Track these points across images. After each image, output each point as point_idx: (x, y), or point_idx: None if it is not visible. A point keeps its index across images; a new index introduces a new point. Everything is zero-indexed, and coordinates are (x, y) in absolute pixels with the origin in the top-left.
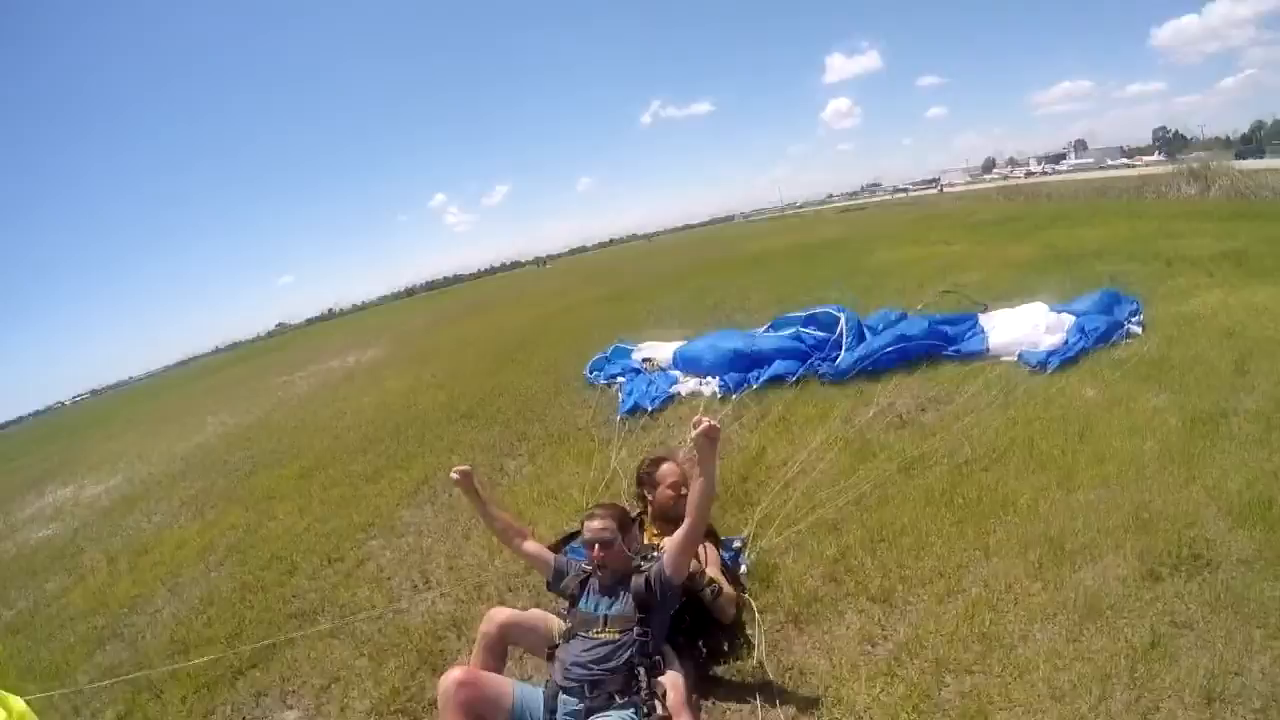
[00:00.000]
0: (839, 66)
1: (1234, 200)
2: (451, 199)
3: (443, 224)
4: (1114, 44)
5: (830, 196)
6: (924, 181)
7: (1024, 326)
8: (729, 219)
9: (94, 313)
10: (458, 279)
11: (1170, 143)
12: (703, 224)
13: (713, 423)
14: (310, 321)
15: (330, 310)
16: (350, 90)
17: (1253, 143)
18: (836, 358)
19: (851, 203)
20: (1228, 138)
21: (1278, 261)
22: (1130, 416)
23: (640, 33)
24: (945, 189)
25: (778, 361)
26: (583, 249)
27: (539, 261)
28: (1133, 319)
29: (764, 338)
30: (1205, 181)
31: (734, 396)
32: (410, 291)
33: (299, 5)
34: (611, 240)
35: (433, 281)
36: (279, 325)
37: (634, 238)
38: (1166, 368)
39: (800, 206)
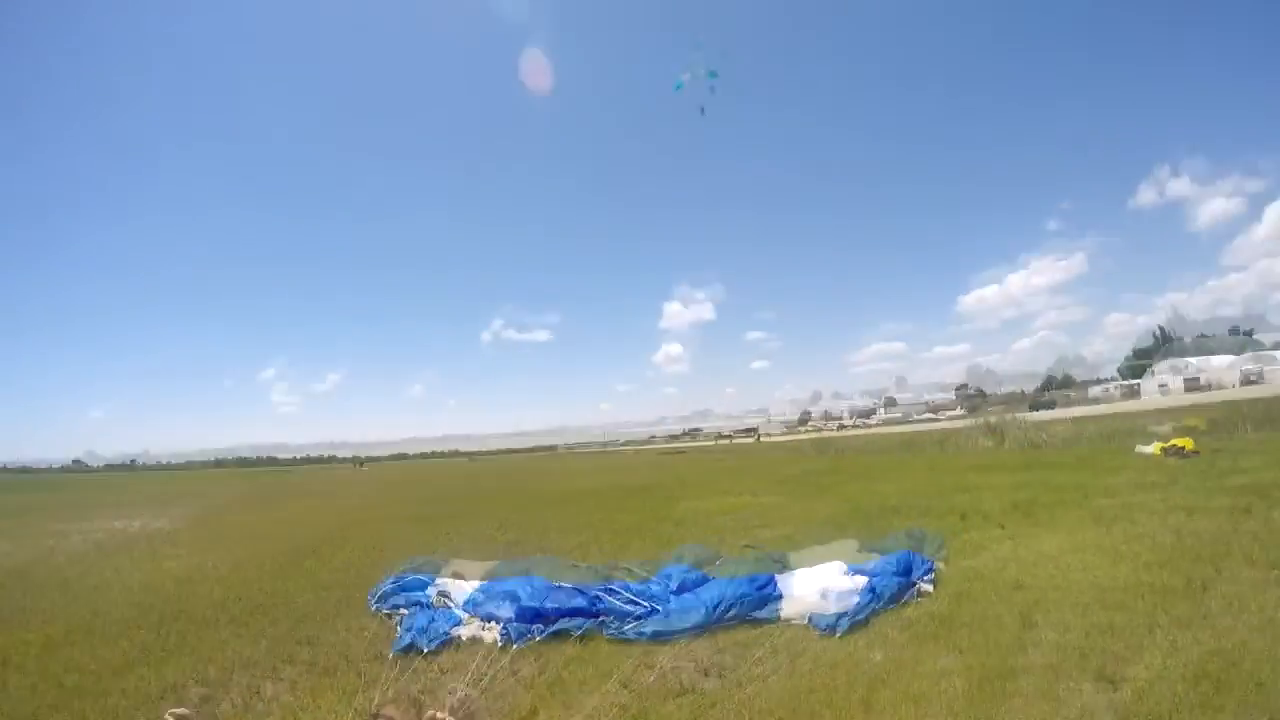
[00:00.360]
0: (675, 313)
1: (1026, 451)
2: (282, 376)
3: (269, 399)
4: (925, 311)
5: (653, 437)
6: (744, 430)
7: (819, 587)
8: (553, 448)
9: None
10: (273, 460)
11: (971, 398)
12: (529, 448)
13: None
14: (111, 466)
15: (134, 460)
16: (202, 241)
17: (1044, 395)
18: (629, 624)
19: (672, 445)
20: (1022, 391)
21: (1063, 509)
22: (917, 681)
23: (491, 254)
24: (763, 438)
25: (565, 619)
26: (404, 455)
27: (357, 461)
28: (925, 577)
29: (558, 591)
30: (1000, 435)
31: (515, 646)
32: (220, 462)
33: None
34: (435, 452)
35: (246, 457)
36: (76, 461)
37: (458, 453)
38: (955, 626)
39: (624, 443)
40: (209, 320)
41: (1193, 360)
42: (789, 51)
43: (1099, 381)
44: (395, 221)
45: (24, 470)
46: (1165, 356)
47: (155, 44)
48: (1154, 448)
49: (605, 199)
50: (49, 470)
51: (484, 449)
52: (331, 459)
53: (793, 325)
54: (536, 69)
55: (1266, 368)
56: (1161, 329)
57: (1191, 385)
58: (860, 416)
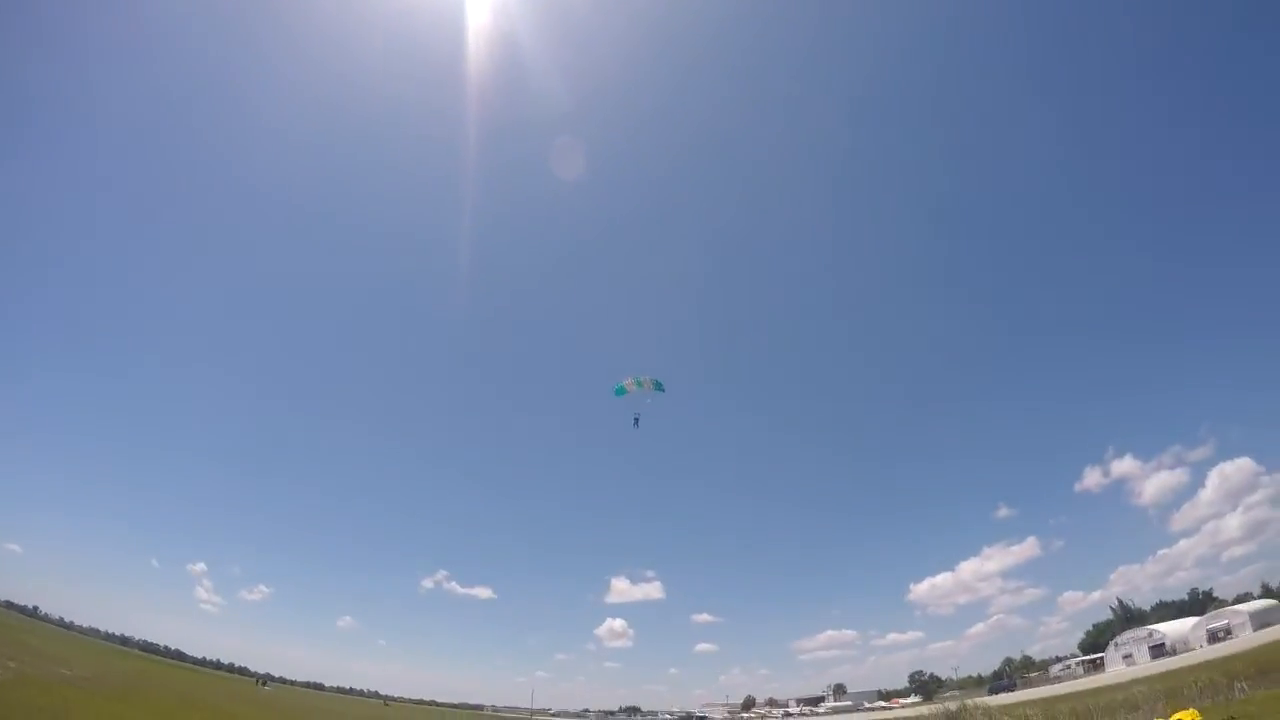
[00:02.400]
0: (623, 589)
1: None
2: (211, 573)
3: (193, 594)
4: (877, 600)
5: (586, 711)
6: (683, 714)
7: None
8: (480, 707)
9: None
10: (180, 654)
11: (926, 684)
12: (454, 704)
13: None
14: (9, 605)
15: (35, 608)
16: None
17: (1003, 677)
18: None
19: None
20: (979, 676)
21: None
22: None
23: (438, 515)
24: None
25: None
26: (320, 685)
27: (260, 680)
28: None
29: None
30: None
31: None
32: (125, 640)
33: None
34: (351, 689)
35: (152, 644)
36: None
37: (378, 694)
38: None
39: (555, 714)
40: (152, 495)
41: (1156, 627)
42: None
43: (1058, 659)
44: (351, 465)
45: None
46: (1126, 627)
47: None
48: None
49: (558, 486)
50: None
51: (407, 695)
52: (243, 670)
53: (741, 611)
54: None
55: (1233, 622)
56: (1120, 600)
57: (1157, 652)
58: (808, 704)
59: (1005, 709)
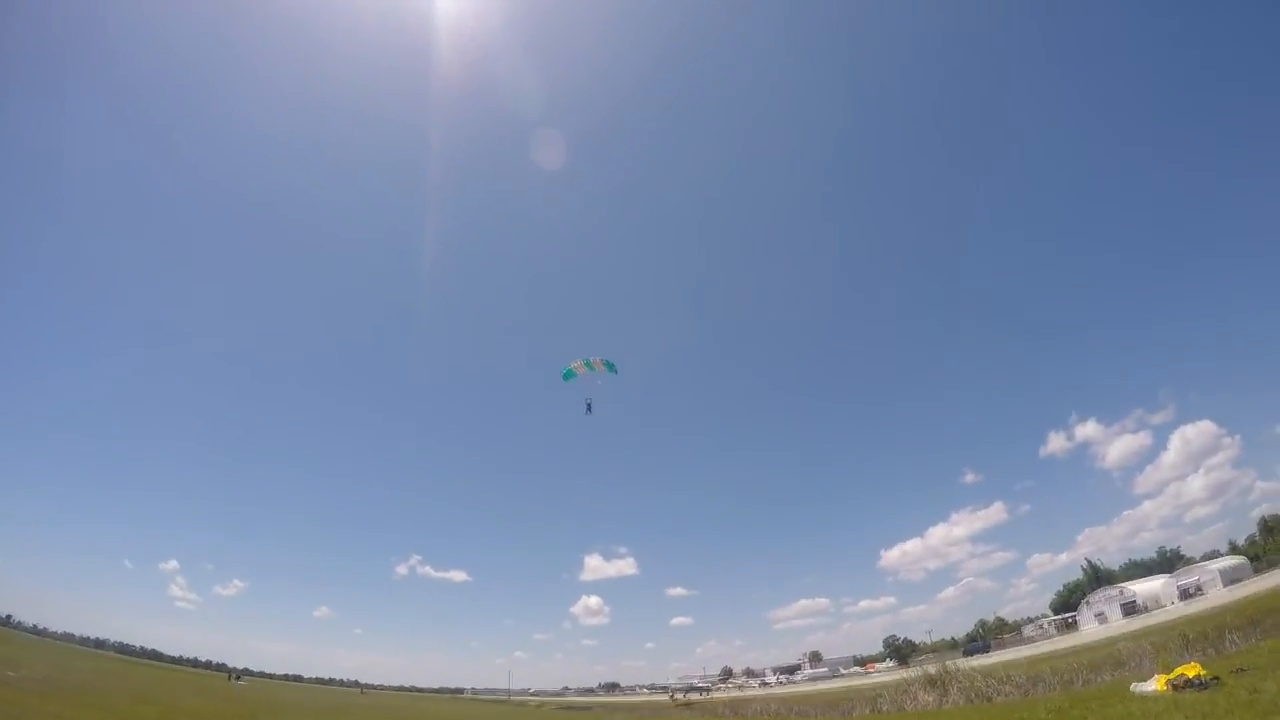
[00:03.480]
0: (596, 566)
1: (976, 705)
2: (185, 571)
3: (166, 592)
4: (849, 568)
5: (566, 689)
6: (660, 686)
7: None
8: (460, 690)
9: None
10: (156, 654)
11: (901, 648)
12: (435, 689)
13: None
14: None
15: (9, 616)
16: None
17: (977, 640)
18: None
19: (579, 699)
20: (953, 639)
21: None
22: None
23: (408, 500)
24: (676, 697)
25: None
26: (299, 677)
27: (233, 674)
28: None
29: None
30: (942, 687)
31: None
32: (101, 644)
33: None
34: (331, 679)
35: (128, 645)
36: None
37: (357, 683)
38: None
39: (534, 694)
40: (122, 497)
41: (1127, 585)
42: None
43: (1031, 620)
44: (320, 454)
45: None
46: (1096, 587)
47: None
48: (1156, 683)
49: (528, 465)
50: None
51: (386, 682)
52: (221, 666)
53: (714, 583)
54: None
55: (1203, 579)
56: (1089, 560)
57: (1129, 610)
58: (784, 673)
59: (986, 670)
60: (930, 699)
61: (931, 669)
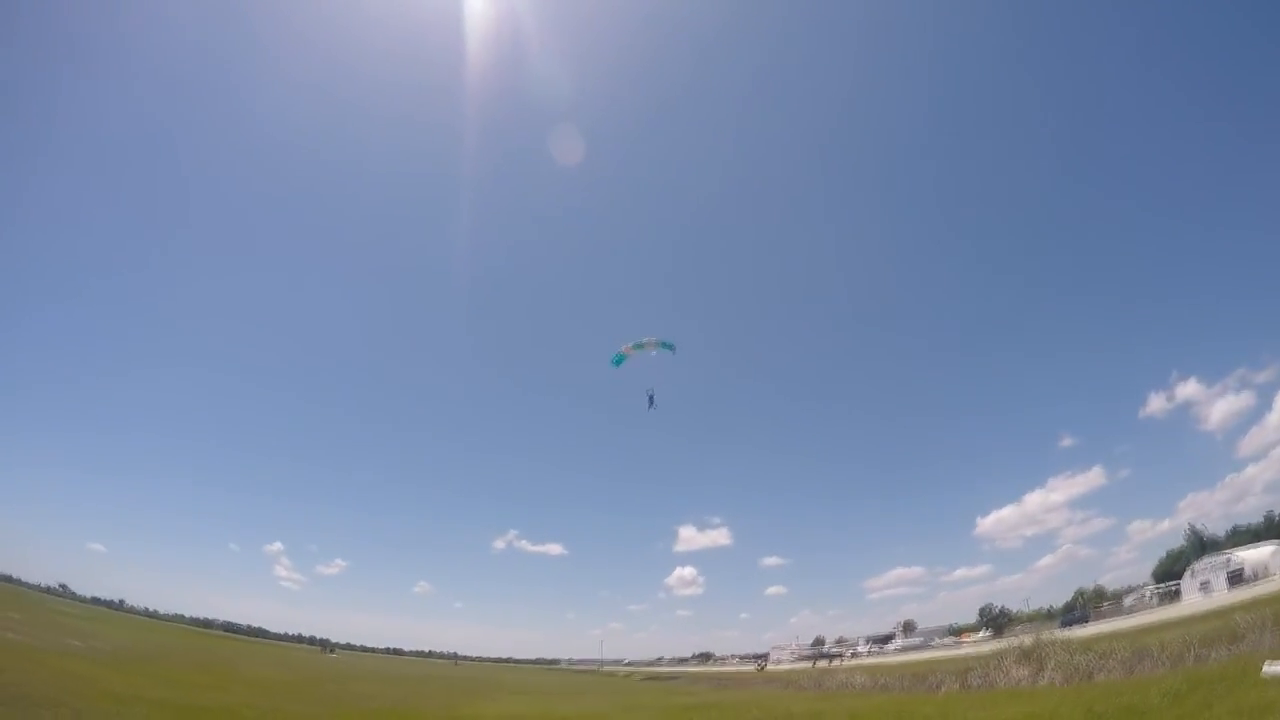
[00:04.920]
0: (690, 537)
1: (1074, 684)
2: (289, 551)
3: (272, 573)
4: (944, 535)
5: (660, 659)
6: (752, 656)
7: None
8: (555, 662)
9: None
10: (262, 632)
11: (996, 618)
12: (532, 660)
13: None
14: (95, 601)
15: (121, 600)
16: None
17: (1075, 610)
18: None
19: (660, 670)
20: (1050, 609)
21: None
22: None
23: (506, 475)
24: (766, 667)
25: None
26: (399, 651)
27: (327, 647)
28: None
29: None
30: (1038, 661)
31: None
32: (208, 623)
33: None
34: (430, 652)
35: (234, 624)
36: (62, 585)
37: (456, 655)
38: None
39: (627, 664)
40: (227, 484)
41: (1233, 553)
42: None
43: (1131, 590)
44: (417, 434)
45: (9, 579)
46: (1200, 555)
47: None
48: None
49: (621, 438)
50: (34, 586)
51: (485, 655)
52: (324, 641)
53: (809, 552)
54: None
55: None
56: (1192, 527)
57: (1235, 579)
58: (877, 643)
59: (1085, 643)
60: (1024, 674)
61: (1026, 641)
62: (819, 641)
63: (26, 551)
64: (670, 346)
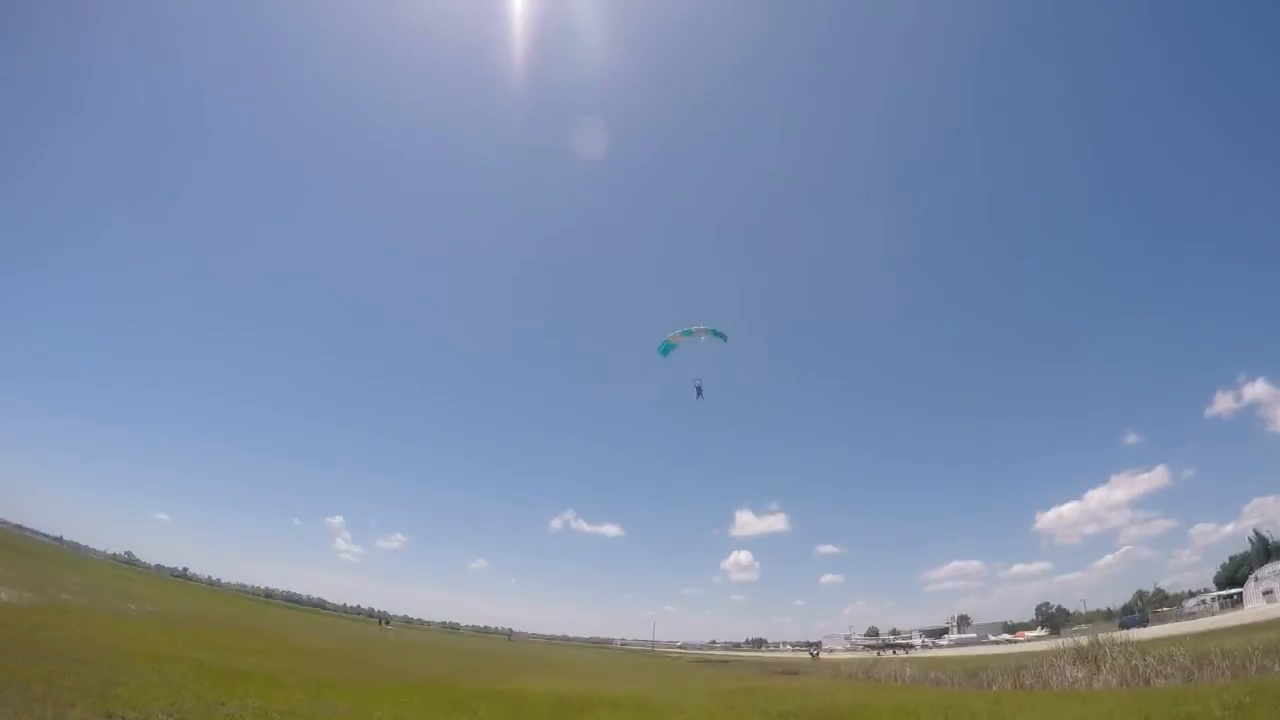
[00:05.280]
0: (747, 522)
1: (1131, 688)
2: (350, 525)
3: (333, 545)
4: (1004, 530)
5: (713, 643)
6: (804, 644)
7: None
8: (609, 641)
9: None
10: (321, 604)
11: (1053, 617)
12: (584, 639)
13: None
14: (160, 569)
15: (185, 569)
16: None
17: (1134, 612)
18: None
19: (721, 654)
20: (1109, 609)
21: None
22: None
23: (566, 457)
24: (819, 655)
25: None
26: (456, 626)
27: (382, 619)
28: None
29: None
30: (1094, 662)
31: None
32: (270, 594)
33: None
34: (485, 628)
35: (295, 595)
36: (128, 553)
37: (509, 632)
38: None
39: (680, 646)
40: (290, 459)
41: None
42: (850, 289)
43: (1192, 594)
44: (478, 412)
45: (78, 547)
46: (1265, 561)
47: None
48: None
49: (681, 421)
50: (101, 554)
51: (539, 632)
52: (382, 614)
53: (866, 541)
54: None
55: None
56: (1257, 532)
57: None
58: (930, 636)
59: (1142, 646)
60: (1079, 675)
61: (1083, 641)
62: (873, 633)
63: (95, 520)
64: (721, 335)
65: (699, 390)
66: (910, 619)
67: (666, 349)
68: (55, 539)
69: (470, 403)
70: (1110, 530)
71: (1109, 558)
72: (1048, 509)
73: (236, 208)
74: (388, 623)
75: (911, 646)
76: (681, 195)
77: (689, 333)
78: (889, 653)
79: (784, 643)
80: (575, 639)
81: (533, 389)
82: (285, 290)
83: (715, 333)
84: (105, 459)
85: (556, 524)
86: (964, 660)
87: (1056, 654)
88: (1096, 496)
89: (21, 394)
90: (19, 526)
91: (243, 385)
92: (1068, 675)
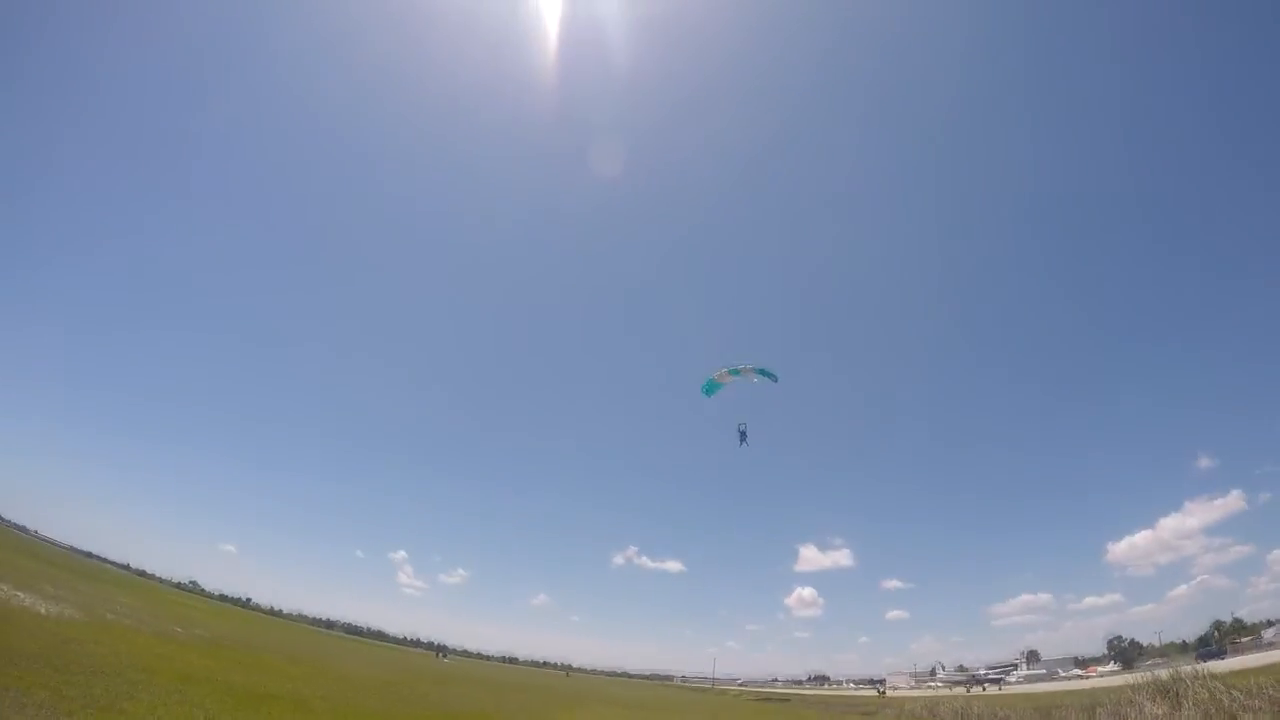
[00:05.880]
0: (811, 557)
1: None
2: (412, 559)
3: (395, 579)
4: (1074, 561)
5: (775, 679)
6: (868, 681)
7: None
8: (669, 677)
9: None
10: (381, 635)
11: (1125, 651)
12: (644, 675)
13: None
14: (223, 598)
15: (248, 598)
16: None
17: (1210, 644)
18: None
19: (775, 690)
20: (1183, 642)
21: None
22: None
23: (629, 494)
24: (888, 692)
25: None
26: (514, 659)
27: (441, 652)
28: None
29: None
30: (1175, 698)
31: None
32: (330, 624)
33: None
34: (545, 662)
35: (355, 626)
36: (192, 581)
37: (567, 667)
38: None
39: (741, 683)
40: (355, 493)
41: None
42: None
43: (1271, 624)
44: (542, 452)
45: (143, 574)
46: None
47: None
48: None
49: (743, 456)
50: (164, 581)
51: (599, 667)
52: (441, 646)
53: (932, 575)
54: None
55: None
56: None
57: None
58: (999, 671)
59: (1225, 679)
60: (1159, 711)
61: (1162, 675)
62: (938, 668)
63: (161, 549)
64: (772, 375)
65: (743, 435)
66: (979, 655)
67: (711, 388)
68: (122, 566)
69: (533, 442)
70: (1184, 559)
71: (1183, 588)
72: (1119, 539)
73: (302, 262)
74: (445, 655)
75: (1006, 680)
76: (743, 227)
77: (736, 372)
78: (977, 689)
79: (847, 680)
80: (635, 674)
81: (594, 428)
82: (350, 328)
83: (764, 372)
84: (174, 491)
85: (619, 560)
86: (1033, 698)
87: (1135, 689)
88: (1169, 524)
89: (106, 441)
90: (88, 553)
91: (309, 421)
92: (1147, 711)
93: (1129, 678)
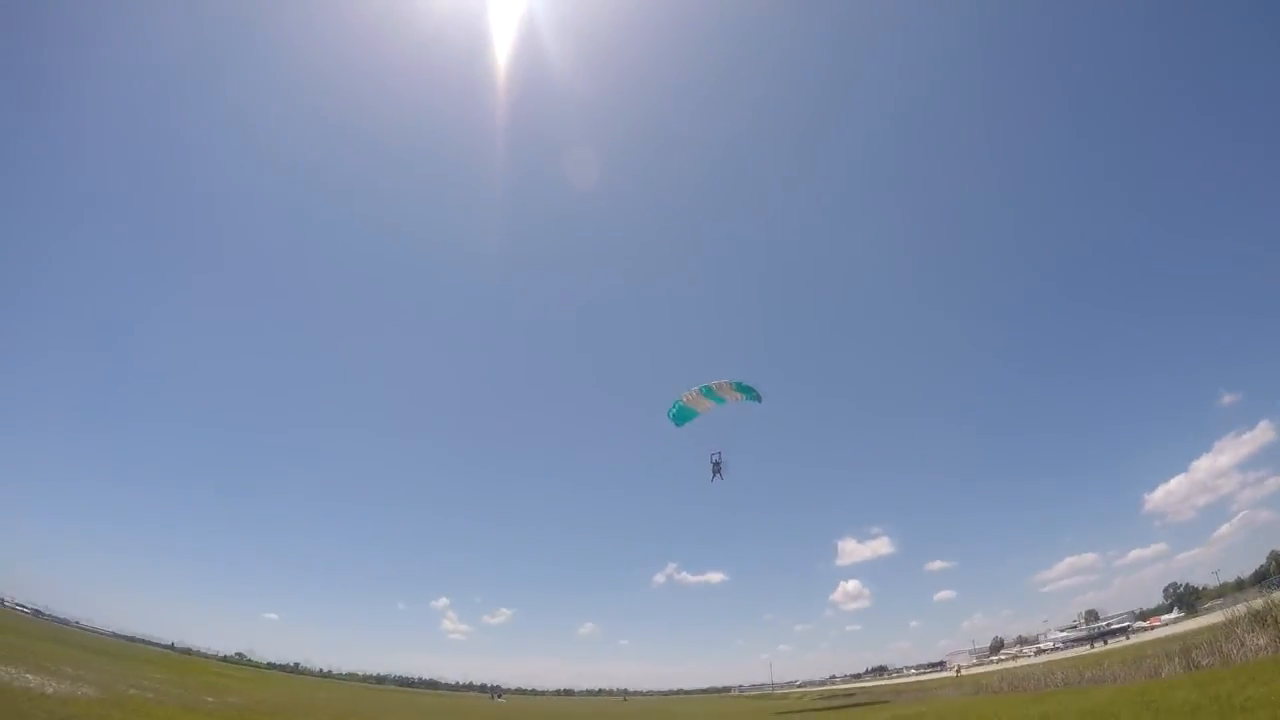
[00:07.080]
0: (851, 550)
1: None
2: (455, 605)
3: (439, 626)
4: (1111, 516)
5: (833, 677)
6: (928, 665)
7: None
8: (726, 689)
9: None
10: (433, 684)
11: (1183, 596)
12: (701, 690)
13: None
14: (270, 666)
15: (296, 664)
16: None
17: (1270, 575)
18: None
19: (843, 686)
20: (1240, 580)
21: None
22: None
23: (664, 503)
24: (962, 670)
25: None
26: (570, 691)
27: (494, 692)
28: None
29: None
30: (1275, 626)
31: None
32: (381, 679)
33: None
34: (600, 690)
35: (406, 678)
36: (239, 654)
37: (624, 692)
38: None
39: (800, 685)
40: (390, 547)
41: None
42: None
43: None
44: (569, 481)
45: (188, 652)
46: None
47: None
48: None
49: (774, 458)
50: (209, 656)
51: (655, 688)
52: (495, 687)
53: (974, 551)
54: None
55: None
56: None
57: None
58: (1120, 622)
59: None
60: (1262, 642)
61: (1256, 603)
62: (998, 643)
63: (206, 626)
64: (753, 394)
65: (716, 468)
66: (1032, 624)
67: (683, 416)
68: (166, 645)
69: (559, 474)
70: (1222, 498)
71: (1226, 527)
72: (1154, 488)
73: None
74: (499, 695)
75: (1125, 631)
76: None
77: (711, 392)
78: (1099, 644)
79: (907, 667)
80: (692, 691)
81: (617, 451)
82: (361, 380)
83: (743, 388)
84: (213, 566)
85: (659, 579)
86: (1110, 654)
87: (1230, 624)
88: (1202, 465)
89: (141, 532)
90: (131, 637)
91: (335, 482)
92: (1249, 645)
93: (1195, 623)
